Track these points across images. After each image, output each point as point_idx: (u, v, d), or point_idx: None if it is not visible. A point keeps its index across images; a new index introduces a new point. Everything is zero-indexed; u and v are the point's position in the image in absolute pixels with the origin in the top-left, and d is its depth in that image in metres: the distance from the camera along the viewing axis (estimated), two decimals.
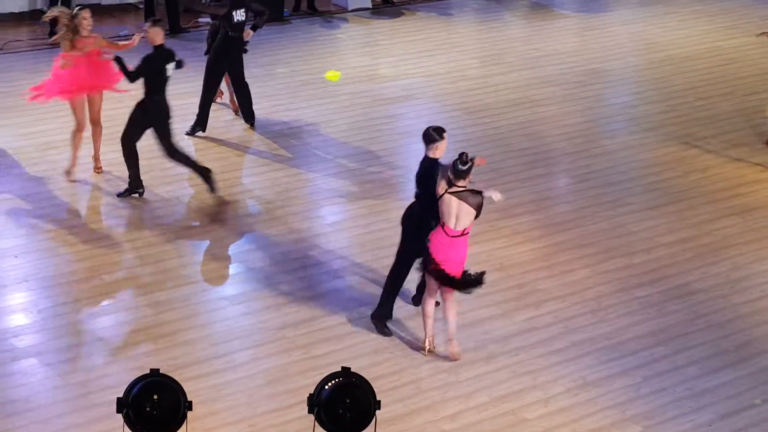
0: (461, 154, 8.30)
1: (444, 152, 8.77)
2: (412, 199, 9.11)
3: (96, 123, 11.68)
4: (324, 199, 11.68)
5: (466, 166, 8.26)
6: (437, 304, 8.81)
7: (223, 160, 12.45)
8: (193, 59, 13.91)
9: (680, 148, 13.15)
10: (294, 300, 9.58)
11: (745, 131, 13.66)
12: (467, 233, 8.44)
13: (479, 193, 8.38)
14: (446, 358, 8.75)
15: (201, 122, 12.86)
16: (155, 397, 4.56)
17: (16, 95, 13.03)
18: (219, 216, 11.14)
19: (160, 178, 11.80)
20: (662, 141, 13.37)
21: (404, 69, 15.61)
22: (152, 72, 11.02)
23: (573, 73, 15.61)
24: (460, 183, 8.31)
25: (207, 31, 13.64)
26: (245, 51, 12.96)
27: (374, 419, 4.60)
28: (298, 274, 10.01)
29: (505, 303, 9.63)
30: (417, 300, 9.21)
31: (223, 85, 13.40)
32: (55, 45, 15.47)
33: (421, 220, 8.75)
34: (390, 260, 10.14)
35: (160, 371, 4.66)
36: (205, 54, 13.15)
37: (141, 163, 11.60)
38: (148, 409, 4.56)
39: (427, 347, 8.79)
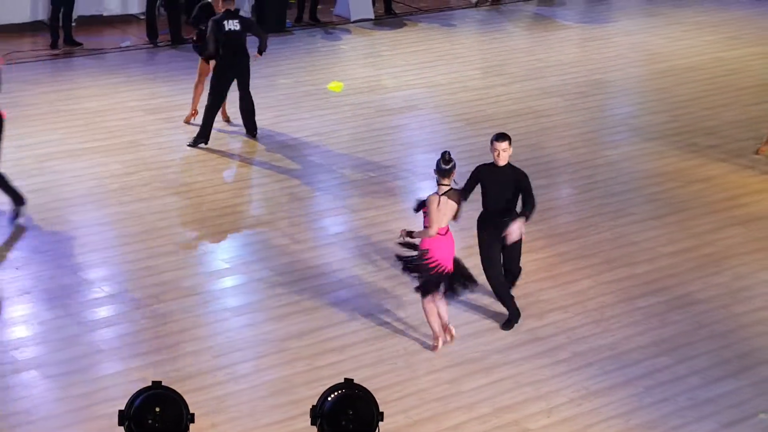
0: (444, 153, 8.59)
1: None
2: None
3: None
4: (326, 210, 11.68)
5: (449, 165, 8.52)
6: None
7: (225, 171, 12.47)
8: (190, 72, 13.94)
9: (682, 158, 13.15)
10: (297, 311, 9.57)
11: (747, 141, 13.66)
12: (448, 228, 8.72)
13: (459, 192, 8.72)
14: (447, 367, 8.75)
15: (204, 134, 12.85)
16: (157, 409, 4.54)
17: (16, 106, 13.05)
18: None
19: (162, 190, 11.81)
20: (664, 151, 13.37)
21: (406, 80, 15.63)
22: None
23: (575, 84, 15.63)
24: (445, 181, 8.57)
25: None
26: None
27: (377, 431, 4.58)
28: (300, 285, 10.01)
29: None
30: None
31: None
32: (57, 56, 15.51)
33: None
34: (395, 270, 10.09)
35: (162, 383, 4.64)
36: (196, 49, 13.13)
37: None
38: (150, 421, 4.54)
39: (440, 345, 8.98)
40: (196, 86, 13.47)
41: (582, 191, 12.21)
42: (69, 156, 12.59)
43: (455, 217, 8.70)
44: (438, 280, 8.70)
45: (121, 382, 8.42)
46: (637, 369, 8.87)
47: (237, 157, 12.87)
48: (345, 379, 4.68)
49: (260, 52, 13.01)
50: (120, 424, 4.55)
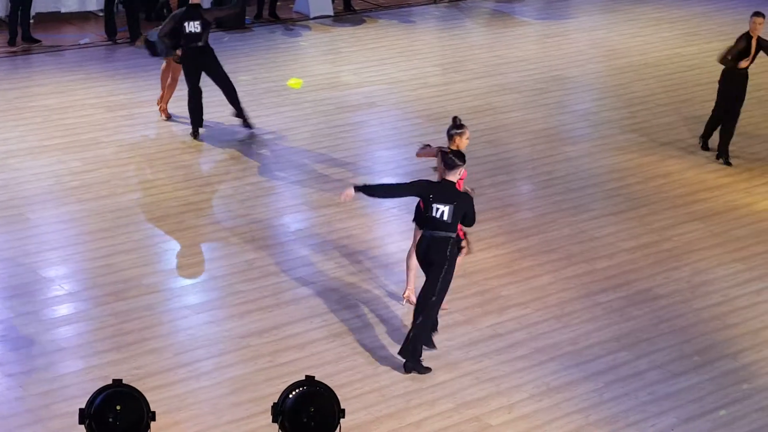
0: (454, 118, 9.21)
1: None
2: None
3: None
4: (287, 207, 11.67)
5: (459, 130, 9.03)
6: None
7: (185, 168, 12.41)
8: (149, 68, 13.89)
9: (641, 154, 13.26)
10: (258, 308, 9.55)
11: None
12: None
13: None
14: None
15: (195, 122, 13.00)
16: (118, 407, 4.52)
17: None
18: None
19: (123, 187, 11.74)
20: (623, 147, 13.46)
21: (366, 76, 15.63)
22: None
23: (534, 80, 15.70)
24: (452, 146, 8.98)
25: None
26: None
27: (339, 427, 4.59)
28: (261, 282, 9.99)
29: (468, 309, 9.66)
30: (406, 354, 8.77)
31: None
32: (16, 53, 15.40)
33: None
34: (355, 267, 10.16)
35: (123, 381, 4.62)
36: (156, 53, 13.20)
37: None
38: (110, 419, 4.51)
39: (407, 296, 9.40)
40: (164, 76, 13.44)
41: (541, 187, 12.27)
42: (28, 154, 12.48)
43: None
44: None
45: (81, 380, 8.37)
46: (598, 364, 8.93)
47: (197, 155, 12.82)
48: (306, 376, 4.68)
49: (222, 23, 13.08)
50: (80, 422, 4.53)
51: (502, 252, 10.65)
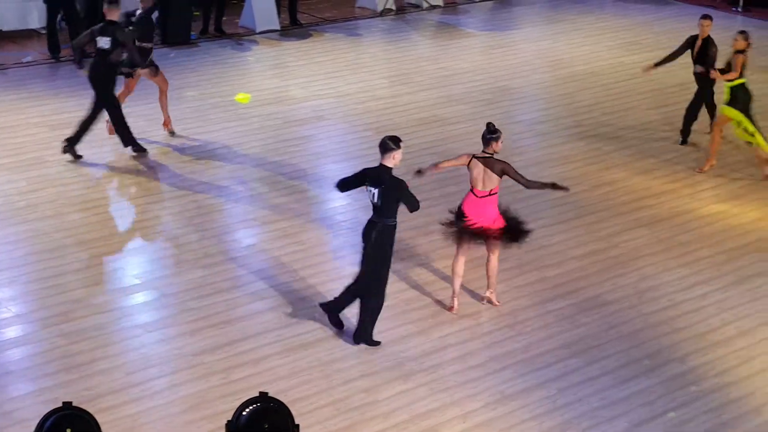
0: (488, 124, 9.60)
1: (400, 162, 9.00)
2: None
3: None
4: (237, 222, 11.64)
5: (495, 135, 9.46)
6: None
7: (132, 186, 12.34)
8: None
9: (587, 163, 13.39)
10: (210, 325, 9.51)
11: (649, 144, 13.97)
12: (495, 193, 9.55)
13: (502, 161, 9.55)
14: (363, 376, 8.78)
15: (126, 139, 12.83)
16: (68, 430, 4.48)
17: None
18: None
19: (69, 206, 11.64)
20: (569, 156, 13.59)
21: (314, 90, 15.64)
22: None
23: (480, 91, 15.80)
24: (488, 150, 9.50)
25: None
26: (124, 74, 12.95)
27: None
28: (213, 298, 9.95)
29: (421, 320, 9.69)
30: (326, 307, 9.44)
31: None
32: None
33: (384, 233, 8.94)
34: (308, 281, 10.15)
35: (74, 403, 4.58)
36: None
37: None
38: None
39: (455, 306, 9.76)
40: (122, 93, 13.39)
41: None
42: None
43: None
44: (470, 234, 9.51)
45: (31, 403, 8.28)
46: (550, 371, 9.00)
47: (145, 172, 12.75)
48: (260, 392, 4.67)
49: (133, 65, 12.89)
50: None
51: (450, 264, 10.68)
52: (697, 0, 21.39)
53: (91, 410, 4.59)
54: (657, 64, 13.83)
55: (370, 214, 9.08)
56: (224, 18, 18.34)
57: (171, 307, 9.82)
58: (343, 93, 15.55)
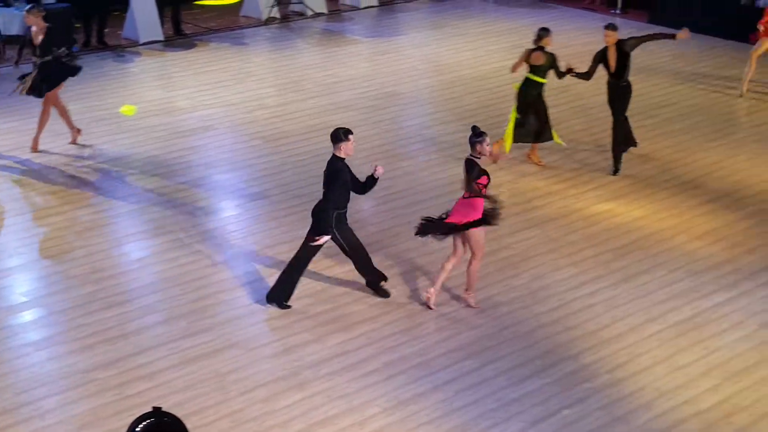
0: (473, 127, 9.79)
1: (352, 153, 9.65)
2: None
3: None
4: (127, 235, 11.47)
5: (479, 138, 9.62)
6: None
7: (16, 201, 12.07)
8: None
9: None
10: (102, 340, 9.35)
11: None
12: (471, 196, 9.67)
13: (476, 165, 9.62)
14: (260, 386, 8.74)
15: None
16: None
17: None
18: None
19: None
20: (458, 159, 13.69)
21: (201, 100, 15.52)
22: None
23: (368, 98, 15.87)
24: (474, 153, 9.66)
25: None
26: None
27: None
28: (104, 313, 9.79)
29: (317, 328, 9.68)
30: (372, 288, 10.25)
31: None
32: None
33: (324, 212, 9.61)
34: (200, 292, 10.08)
35: None
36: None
37: None
38: None
39: (432, 298, 10.01)
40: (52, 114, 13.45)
41: (383, 202, 12.40)
42: None
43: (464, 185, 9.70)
44: (453, 231, 9.73)
45: None
46: (446, 374, 9.07)
47: (30, 186, 12.48)
48: (153, 407, 4.62)
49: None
50: None
51: (347, 269, 10.69)
52: (577, 3, 21.86)
53: None
54: (577, 75, 13.31)
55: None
56: (106, 30, 18.07)
57: (60, 324, 9.63)
58: (231, 102, 15.46)
